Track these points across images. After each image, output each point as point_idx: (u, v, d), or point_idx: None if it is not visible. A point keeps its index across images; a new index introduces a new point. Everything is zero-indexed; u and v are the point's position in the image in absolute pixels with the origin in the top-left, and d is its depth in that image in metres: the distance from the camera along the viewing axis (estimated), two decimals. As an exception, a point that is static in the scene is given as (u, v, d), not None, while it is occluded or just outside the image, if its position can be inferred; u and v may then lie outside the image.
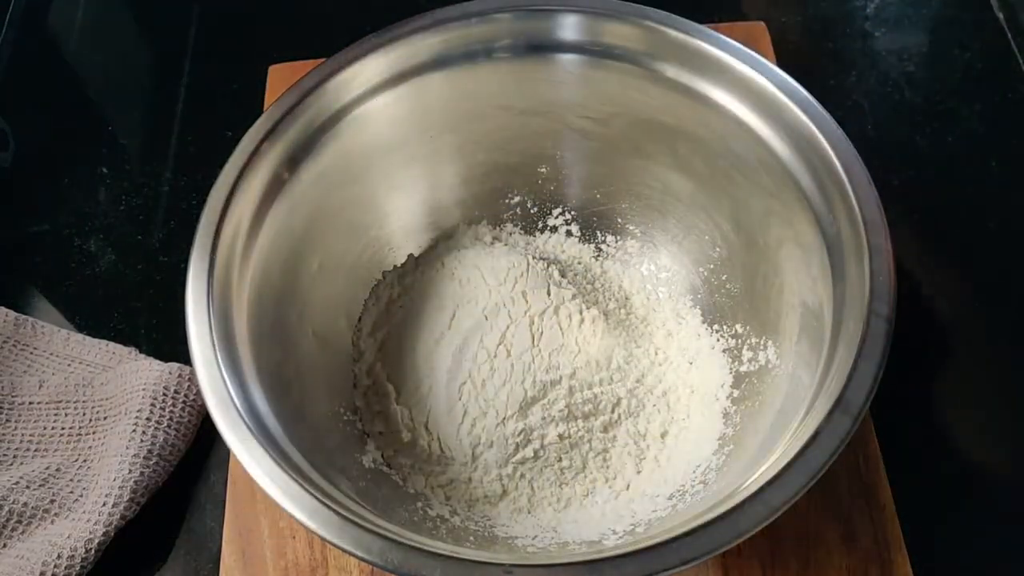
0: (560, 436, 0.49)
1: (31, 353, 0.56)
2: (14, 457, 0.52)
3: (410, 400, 0.50)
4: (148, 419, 0.51)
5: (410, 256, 0.56)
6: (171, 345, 0.57)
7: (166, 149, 0.67)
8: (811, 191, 0.44)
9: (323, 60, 0.48)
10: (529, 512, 0.48)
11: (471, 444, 0.49)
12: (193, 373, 0.41)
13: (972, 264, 0.58)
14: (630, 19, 0.48)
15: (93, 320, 0.60)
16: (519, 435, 0.48)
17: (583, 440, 0.49)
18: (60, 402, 0.54)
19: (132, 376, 0.53)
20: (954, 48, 0.67)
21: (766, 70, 0.45)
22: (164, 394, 0.52)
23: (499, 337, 0.50)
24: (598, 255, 0.58)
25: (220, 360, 0.40)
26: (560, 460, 0.49)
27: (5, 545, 0.49)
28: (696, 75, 0.48)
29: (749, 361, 0.50)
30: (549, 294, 0.52)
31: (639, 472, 0.49)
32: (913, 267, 0.57)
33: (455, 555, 0.35)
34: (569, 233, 0.58)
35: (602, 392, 0.50)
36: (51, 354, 0.56)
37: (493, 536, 0.46)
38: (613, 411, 0.50)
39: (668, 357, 0.53)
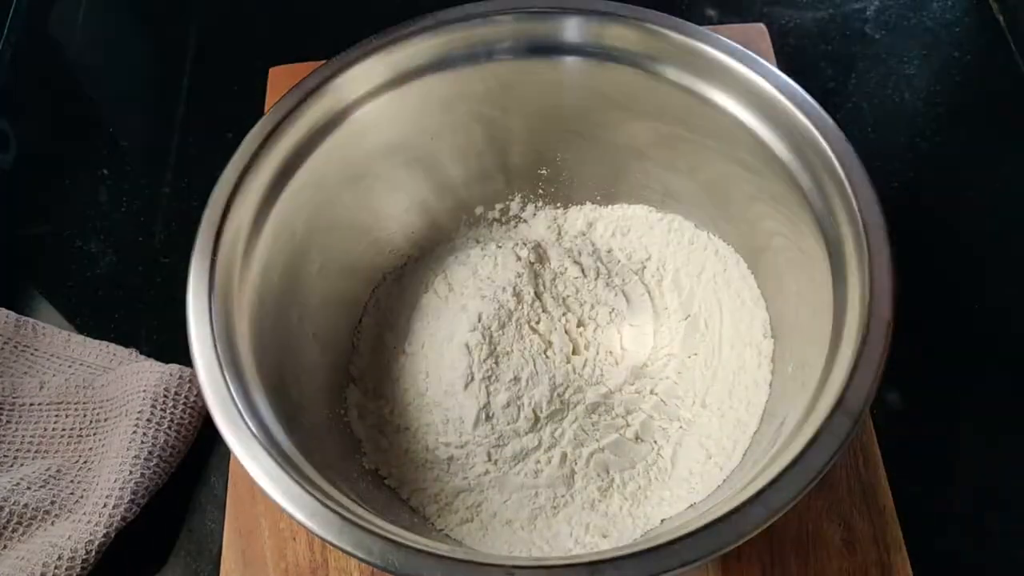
0: (563, 453, 0.48)
1: (32, 354, 0.56)
2: (15, 458, 0.52)
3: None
4: (149, 420, 0.51)
5: (410, 258, 0.56)
6: (172, 347, 0.57)
7: (167, 150, 0.67)
8: (811, 193, 0.44)
9: (324, 62, 0.48)
10: (529, 520, 0.48)
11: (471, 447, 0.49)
12: (194, 374, 0.41)
13: (972, 265, 0.58)
14: (630, 21, 0.48)
15: (94, 321, 0.60)
16: (522, 443, 0.48)
17: (589, 451, 0.49)
18: (61, 403, 0.54)
19: (133, 377, 0.53)
20: (954, 50, 0.67)
21: (766, 72, 0.45)
22: (165, 395, 0.52)
23: (501, 343, 0.50)
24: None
25: (221, 361, 0.40)
26: (563, 467, 0.49)
27: (6, 547, 0.49)
28: (696, 77, 0.48)
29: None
30: (547, 295, 0.52)
31: (648, 480, 0.49)
32: (913, 268, 0.57)
33: (456, 556, 0.35)
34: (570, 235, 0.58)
35: (608, 404, 0.49)
36: (52, 355, 0.56)
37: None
38: (621, 421, 0.50)
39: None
